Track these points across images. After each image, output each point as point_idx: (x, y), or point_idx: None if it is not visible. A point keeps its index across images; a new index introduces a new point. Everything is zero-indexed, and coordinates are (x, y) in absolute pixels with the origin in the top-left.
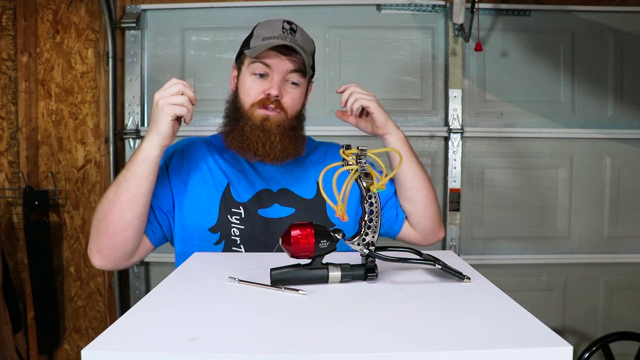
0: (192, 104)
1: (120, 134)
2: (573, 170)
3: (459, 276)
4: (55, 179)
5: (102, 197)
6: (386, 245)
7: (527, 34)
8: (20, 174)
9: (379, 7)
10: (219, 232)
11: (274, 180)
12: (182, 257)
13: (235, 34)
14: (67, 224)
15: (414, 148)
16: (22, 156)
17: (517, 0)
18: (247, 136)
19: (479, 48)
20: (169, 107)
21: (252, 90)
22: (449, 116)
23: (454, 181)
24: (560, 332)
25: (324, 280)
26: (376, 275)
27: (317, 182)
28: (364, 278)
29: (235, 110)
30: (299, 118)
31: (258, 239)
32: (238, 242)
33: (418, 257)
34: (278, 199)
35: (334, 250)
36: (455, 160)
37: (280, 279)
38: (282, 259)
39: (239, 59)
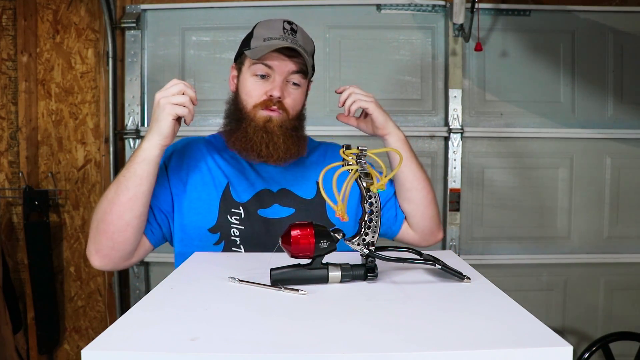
0: (194, 104)
1: (120, 134)
2: (573, 170)
3: (459, 276)
4: (55, 179)
5: (102, 197)
6: (386, 245)
7: (527, 34)
8: (20, 174)
9: (379, 7)
10: (219, 233)
11: (274, 181)
12: (181, 258)
13: (235, 34)
14: (67, 224)
15: (414, 148)
16: (22, 156)
17: (517, 0)
18: (251, 137)
19: (479, 48)
20: (170, 106)
21: (253, 91)
22: (449, 116)
23: (454, 181)
24: (560, 332)
25: (324, 280)
26: (376, 275)
27: (317, 182)
28: (364, 278)
29: (236, 112)
30: (300, 118)
31: (258, 239)
32: (238, 242)
33: (418, 257)
34: (278, 199)
35: (334, 250)
36: (455, 160)
37: (280, 279)
38: (282, 259)
39: (239, 60)
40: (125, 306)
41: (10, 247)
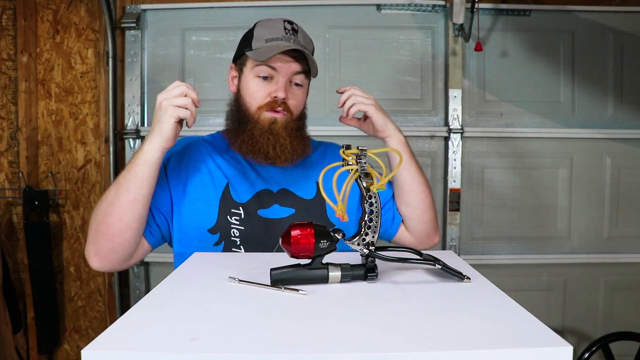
0: (196, 106)
1: (120, 134)
2: (573, 170)
3: (459, 276)
4: (55, 179)
5: (101, 198)
6: (386, 245)
7: (527, 34)
8: (20, 174)
9: (379, 7)
10: (219, 233)
11: (274, 181)
12: (180, 258)
13: (235, 34)
14: (67, 224)
15: (414, 148)
16: (22, 156)
17: (517, 0)
18: (257, 140)
19: (479, 48)
20: (173, 109)
21: (257, 93)
22: (449, 116)
23: (454, 181)
24: (560, 332)
25: (324, 280)
26: (376, 275)
27: (317, 183)
28: (364, 278)
29: (240, 114)
30: (303, 118)
31: (258, 239)
32: (238, 242)
33: (418, 257)
34: (278, 199)
35: (334, 250)
36: (455, 160)
37: (280, 279)
38: (282, 259)
39: (239, 61)
40: (125, 306)
41: (10, 247)
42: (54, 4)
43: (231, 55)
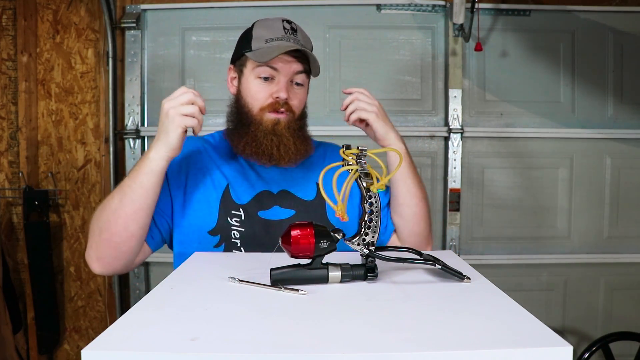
0: (202, 114)
1: (120, 134)
2: (573, 170)
3: (459, 276)
4: (55, 179)
5: (103, 203)
6: (386, 245)
7: (527, 34)
8: (20, 174)
9: (379, 7)
10: (219, 235)
11: (274, 182)
12: (181, 258)
13: (235, 34)
14: (67, 224)
15: (414, 148)
16: (22, 156)
17: (517, 0)
18: (261, 141)
19: (479, 48)
20: (180, 118)
21: (259, 94)
22: (449, 116)
23: (454, 181)
24: (560, 332)
25: (324, 280)
26: (376, 275)
27: (317, 184)
28: (364, 278)
29: (241, 115)
30: (304, 117)
31: (258, 241)
32: (238, 244)
33: (418, 257)
34: (278, 200)
35: (334, 250)
36: (455, 160)
37: (280, 279)
38: (282, 259)
39: (238, 61)
40: (125, 306)
41: (10, 247)
42: (54, 4)
43: (231, 55)
